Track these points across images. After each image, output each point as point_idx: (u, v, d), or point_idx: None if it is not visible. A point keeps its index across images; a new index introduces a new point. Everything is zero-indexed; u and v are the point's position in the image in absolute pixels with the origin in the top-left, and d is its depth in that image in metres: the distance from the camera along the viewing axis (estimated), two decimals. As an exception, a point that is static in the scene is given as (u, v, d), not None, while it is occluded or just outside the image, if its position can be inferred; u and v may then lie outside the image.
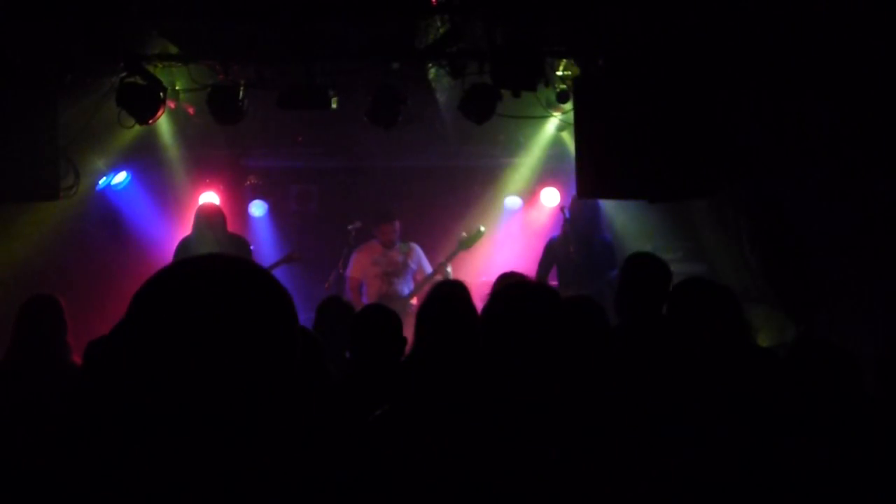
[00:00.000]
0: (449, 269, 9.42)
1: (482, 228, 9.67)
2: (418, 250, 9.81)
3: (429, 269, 9.72)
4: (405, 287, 9.61)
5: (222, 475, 1.37)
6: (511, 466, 2.71)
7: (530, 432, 2.75)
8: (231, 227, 9.94)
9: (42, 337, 5.67)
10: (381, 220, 9.56)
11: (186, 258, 1.52)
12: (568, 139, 8.63)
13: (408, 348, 4.83)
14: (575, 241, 8.47)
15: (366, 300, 9.47)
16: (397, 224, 9.60)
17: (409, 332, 8.94)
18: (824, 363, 3.54)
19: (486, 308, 2.90)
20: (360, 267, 9.61)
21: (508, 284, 3.07)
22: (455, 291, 4.53)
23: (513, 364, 2.73)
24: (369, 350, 4.48)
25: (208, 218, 8.72)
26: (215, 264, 1.48)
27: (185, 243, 8.76)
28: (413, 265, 9.69)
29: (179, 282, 1.44)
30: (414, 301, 9.50)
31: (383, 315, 4.81)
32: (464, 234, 9.61)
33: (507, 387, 2.76)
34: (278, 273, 8.75)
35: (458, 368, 4.00)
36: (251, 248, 9.17)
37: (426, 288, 9.30)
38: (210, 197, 10.54)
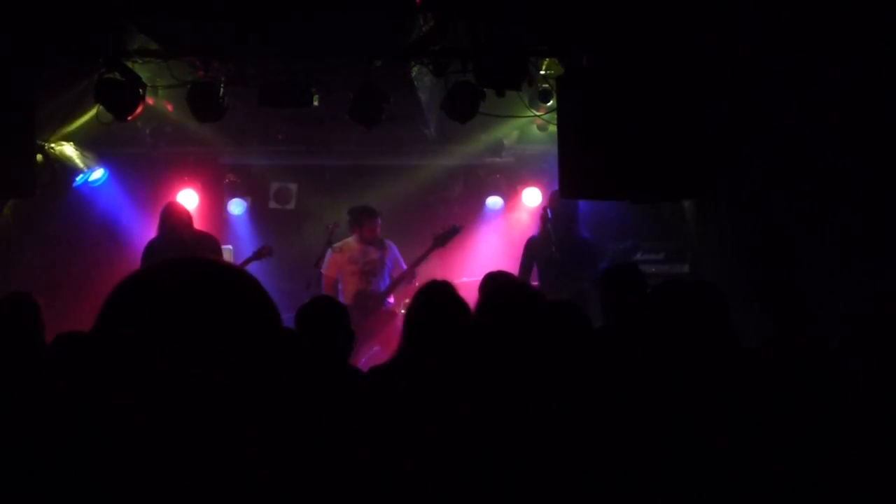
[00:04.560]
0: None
1: (457, 226, 9.60)
2: (393, 248, 9.76)
3: (404, 266, 9.67)
4: (382, 284, 9.56)
5: (201, 479, 1.32)
6: (498, 467, 2.67)
7: (518, 433, 2.72)
8: (209, 225, 9.87)
9: (18, 337, 5.59)
10: (366, 216, 9.48)
11: (164, 260, 1.47)
12: (551, 138, 8.59)
13: (392, 348, 4.79)
14: (556, 242, 8.45)
15: (342, 298, 9.40)
16: (379, 221, 9.55)
17: (382, 328, 8.97)
18: (794, 363, 3.53)
19: (477, 314, 2.88)
20: (336, 265, 9.55)
21: (496, 289, 3.04)
22: (442, 292, 4.48)
23: (502, 368, 2.70)
24: (313, 344, 4.41)
25: (173, 219, 8.47)
26: (192, 267, 1.43)
27: (150, 247, 8.56)
28: (389, 263, 9.64)
29: (158, 284, 1.39)
30: (391, 299, 9.47)
31: (329, 307, 4.76)
32: (439, 230, 9.54)
33: (495, 390, 2.73)
34: (253, 269, 8.67)
35: (447, 368, 3.96)
36: (220, 246, 9.02)
37: (402, 285, 9.29)
38: (187, 195, 10.45)
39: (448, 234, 9.49)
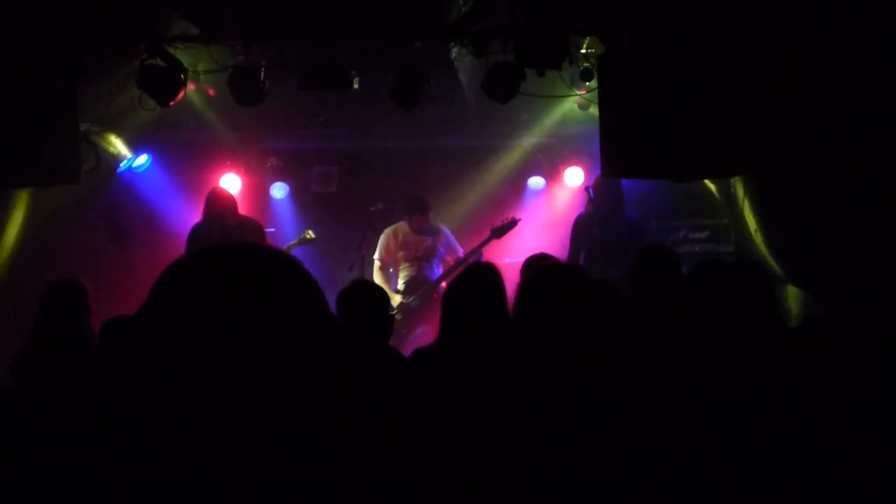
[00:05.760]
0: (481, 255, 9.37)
1: (516, 218, 9.60)
2: (447, 234, 9.75)
3: (460, 252, 9.65)
4: (433, 271, 9.55)
5: (237, 466, 1.32)
6: (540, 449, 2.67)
7: (561, 414, 2.71)
8: (251, 209, 9.93)
9: (67, 321, 5.68)
10: (417, 210, 9.47)
11: (213, 245, 1.46)
12: (592, 118, 8.55)
13: (434, 332, 4.78)
14: (599, 222, 8.41)
15: (394, 283, 9.44)
16: (431, 215, 9.55)
17: (434, 314, 8.96)
18: (832, 341, 3.50)
19: (518, 296, 2.86)
20: (388, 250, 9.57)
21: (539, 269, 3.02)
22: (486, 274, 4.47)
23: (544, 351, 2.69)
24: (353, 328, 4.41)
25: (217, 204, 8.61)
26: (243, 252, 1.43)
27: (195, 231, 8.68)
28: (442, 249, 9.63)
29: (208, 269, 1.39)
30: (443, 286, 9.45)
31: (368, 291, 4.77)
32: (498, 223, 9.54)
33: (538, 374, 2.72)
34: (296, 253, 8.71)
35: (488, 352, 3.96)
36: (264, 230, 9.10)
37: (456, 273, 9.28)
38: (230, 179, 10.51)
39: (506, 227, 9.49)
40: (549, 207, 10.95)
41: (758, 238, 7.76)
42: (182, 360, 1.31)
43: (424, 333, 8.80)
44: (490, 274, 4.45)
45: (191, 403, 1.31)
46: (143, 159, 10.29)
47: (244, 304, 1.34)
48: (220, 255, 1.42)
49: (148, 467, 1.33)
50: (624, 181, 8.64)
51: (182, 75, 7.65)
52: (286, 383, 1.34)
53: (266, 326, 1.33)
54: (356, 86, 7.96)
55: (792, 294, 7.69)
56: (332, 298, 5.71)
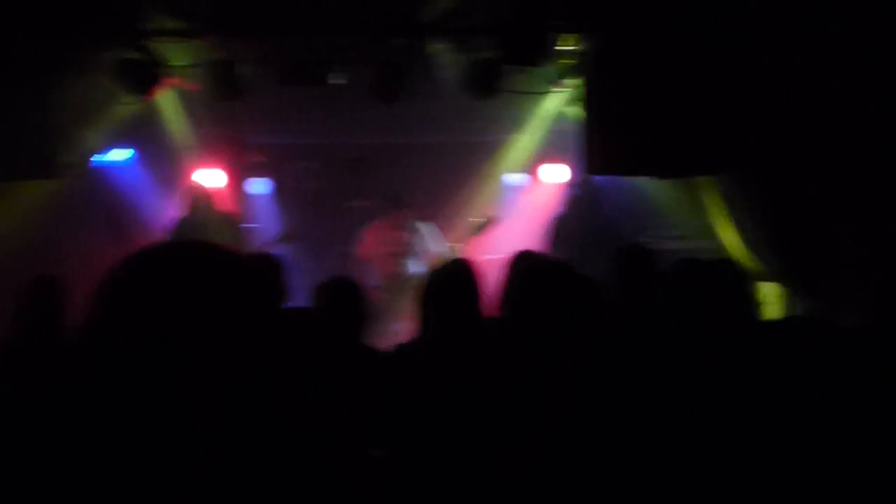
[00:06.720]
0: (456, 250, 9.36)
1: (494, 216, 9.61)
2: (426, 230, 9.74)
3: (437, 248, 9.65)
4: (414, 267, 9.55)
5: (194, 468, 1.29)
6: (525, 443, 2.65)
7: (549, 410, 2.70)
8: (232, 204, 9.91)
9: (43, 319, 5.62)
10: (395, 206, 9.50)
11: (154, 244, 1.46)
12: (573, 115, 8.54)
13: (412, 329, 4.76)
14: (580, 218, 8.43)
15: (375, 279, 9.42)
16: (407, 211, 9.55)
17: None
18: (809, 340, 3.49)
19: (510, 291, 2.85)
20: (368, 246, 9.57)
21: (533, 265, 3.01)
22: (460, 269, 4.45)
23: (537, 347, 2.68)
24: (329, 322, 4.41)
25: (196, 199, 8.83)
26: (188, 251, 1.41)
27: (174, 226, 8.84)
28: (420, 245, 9.62)
29: (147, 270, 1.37)
30: (423, 281, 9.44)
31: (344, 286, 4.76)
32: (473, 220, 9.55)
33: (527, 369, 2.70)
34: (278, 251, 8.70)
35: (464, 348, 3.94)
36: (242, 226, 9.16)
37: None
38: (212, 174, 10.46)
39: (483, 224, 9.49)
40: (530, 204, 10.94)
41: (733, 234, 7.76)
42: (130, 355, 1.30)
43: (405, 330, 8.78)
44: (464, 269, 4.43)
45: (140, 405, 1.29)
46: (123, 154, 10.23)
47: (192, 299, 1.32)
48: (166, 254, 1.41)
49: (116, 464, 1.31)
50: (604, 178, 8.65)
51: (160, 70, 7.62)
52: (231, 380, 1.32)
53: (207, 321, 1.31)
54: (338, 81, 7.94)
55: (774, 293, 7.69)
56: (307, 294, 5.67)
